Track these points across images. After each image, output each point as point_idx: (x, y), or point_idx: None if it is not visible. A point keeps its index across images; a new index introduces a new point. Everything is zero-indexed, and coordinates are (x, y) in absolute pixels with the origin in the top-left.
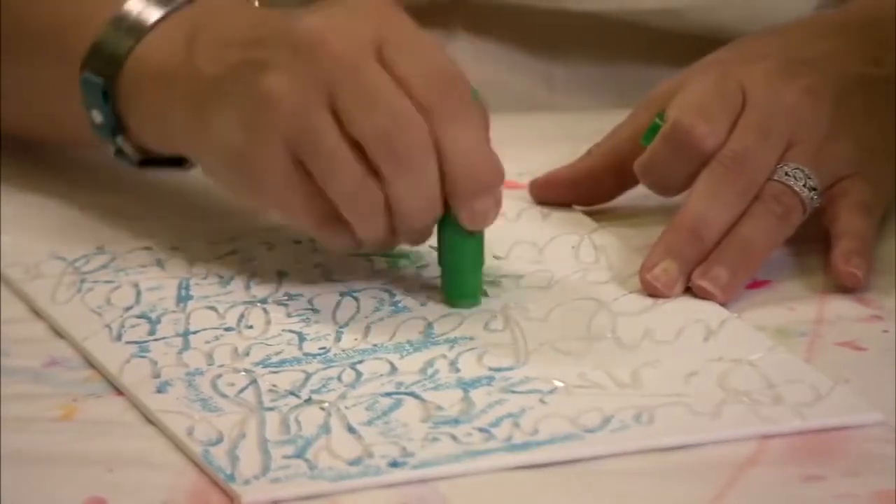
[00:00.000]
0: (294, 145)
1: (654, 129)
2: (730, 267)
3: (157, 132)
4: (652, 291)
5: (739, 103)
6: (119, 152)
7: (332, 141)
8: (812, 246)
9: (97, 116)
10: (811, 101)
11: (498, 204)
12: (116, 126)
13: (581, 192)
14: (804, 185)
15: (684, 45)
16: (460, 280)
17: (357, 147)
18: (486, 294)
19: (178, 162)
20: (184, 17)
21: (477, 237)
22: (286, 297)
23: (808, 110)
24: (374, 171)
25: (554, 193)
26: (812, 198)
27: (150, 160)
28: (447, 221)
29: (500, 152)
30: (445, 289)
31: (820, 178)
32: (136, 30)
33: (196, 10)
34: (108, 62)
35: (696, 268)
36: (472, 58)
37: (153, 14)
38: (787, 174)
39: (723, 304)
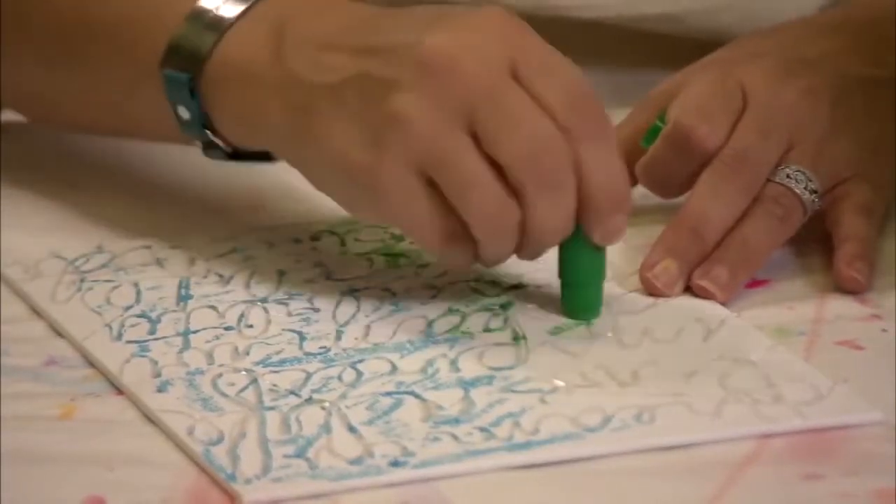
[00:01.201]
0: (428, 167)
1: (654, 131)
2: (730, 267)
3: (248, 133)
4: (652, 290)
5: (740, 103)
6: (208, 145)
7: (472, 163)
8: (811, 245)
9: (184, 113)
10: (811, 101)
11: (626, 220)
12: (204, 121)
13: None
14: (805, 188)
15: (685, 50)
16: (585, 294)
17: (496, 167)
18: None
19: (269, 155)
20: (267, 10)
21: (602, 252)
22: (286, 297)
23: (808, 111)
24: (512, 192)
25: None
26: (813, 200)
27: (240, 153)
28: (574, 237)
29: None
30: (569, 303)
31: (820, 179)
32: (217, 25)
33: (279, 3)
34: (190, 59)
35: (696, 267)
36: None
37: (234, 9)
38: (787, 176)
39: (722, 304)
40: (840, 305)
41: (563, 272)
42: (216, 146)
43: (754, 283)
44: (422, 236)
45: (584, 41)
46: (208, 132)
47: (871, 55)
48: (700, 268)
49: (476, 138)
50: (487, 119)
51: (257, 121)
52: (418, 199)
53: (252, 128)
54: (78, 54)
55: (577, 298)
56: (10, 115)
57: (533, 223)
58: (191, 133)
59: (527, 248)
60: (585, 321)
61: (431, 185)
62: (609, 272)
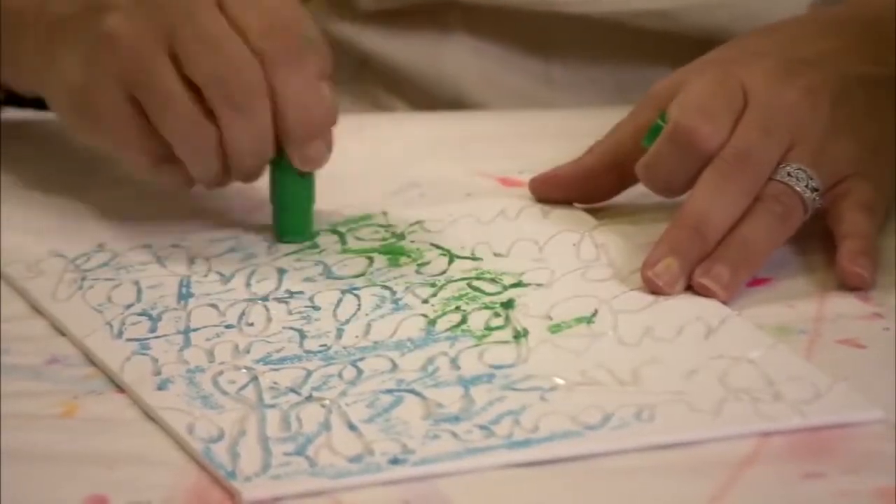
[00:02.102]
0: (131, 85)
1: (655, 130)
2: (731, 265)
3: (12, 73)
4: (654, 289)
5: (741, 103)
6: None
7: (168, 82)
8: (812, 244)
9: None
10: (811, 100)
11: (329, 147)
12: None
13: (582, 190)
14: (806, 186)
15: (680, 46)
16: (291, 218)
17: (193, 89)
18: (317, 234)
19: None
20: None
21: (308, 178)
22: (287, 295)
23: (809, 110)
24: (209, 113)
25: (555, 191)
26: (814, 199)
27: (14, 101)
28: (280, 162)
29: (501, 149)
30: (276, 226)
31: (822, 178)
32: None
33: None
34: None
35: (697, 265)
36: (472, 56)
37: None
38: (788, 174)
39: (724, 302)
40: (841, 304)
41: (272, 195)
42: None
43: (755, 282)
44: (132, 156)
45: (580, 38)
46: None
47: (871, 54)
48: (701, 266)
49: (177, 60)
50: (184, 40)
51: (18, 58)
52: (127, 119)
53: (16, 67)
54: None
55: (285, 221)
56: (10, 114)
57: (228, 144)
58: None
59: (231, 169)
60: (294, 243)
61: (140, 107)
62: (609, 270)
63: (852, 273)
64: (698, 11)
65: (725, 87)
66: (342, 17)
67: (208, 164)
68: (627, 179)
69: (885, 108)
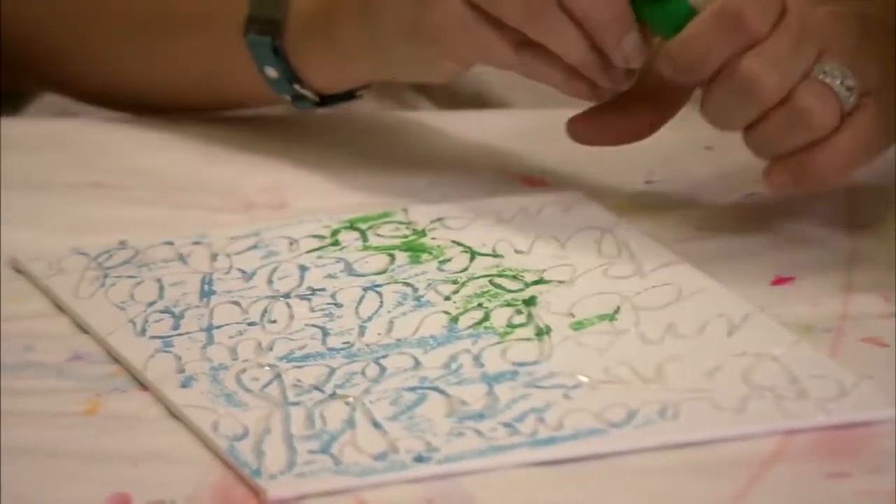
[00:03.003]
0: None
1: (680, 16)
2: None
3: (329, 60)
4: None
5: (781, 5)
6: (297, 98)
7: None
8: (836, 242)
9: (272, 72)
10: (840, 20)
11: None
12: (292, 76)
13: (615, 127)
14: (841, 84)
15: None
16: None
17: None
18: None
19: (351, 95)
20: None
21: None
22: (309, 292)
23: (837, 27)
24: None
25: (592, 129)
26: (849, 98)
27: (328, 99)
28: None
29: (525, 148)
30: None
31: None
32: None
33: None
34: (269, 23)
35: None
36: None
37: None
38: (824, 73)
39: None
40: (865, 302)
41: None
42: (304, 97)
43: (779, 280)
44: (494, 53)
45: None
46: (296, 86)
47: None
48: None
49: None
50: None
51: (333, 43)
52: (471, 22)
53: (332, 52)
54: (163, 36)
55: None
56: (36, 113)
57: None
58: (280, 90)
59: (598, 42)
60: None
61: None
62: (632, 267)
63: (774, 179)
64: None
65: None
66: None
67: (568, 39)
68: (665, 110)
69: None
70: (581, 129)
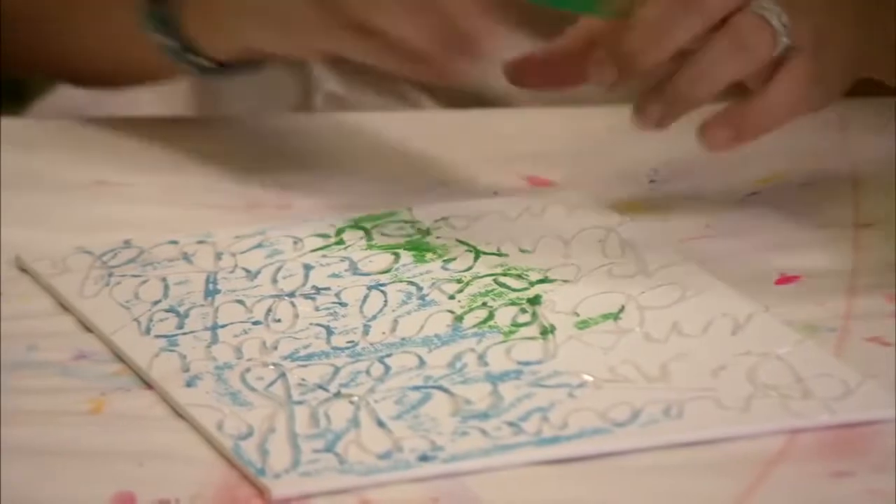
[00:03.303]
0: None
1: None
2: (670, 101)
3: (206, 28)
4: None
5: None
6: (199, 69)
7: None
8: (841, 241)
9: (166, 41)
10: None
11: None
12: (182, 46)
13: (553, 72)
14: (778, 19)
15: None
16: None
17: None
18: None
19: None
20: None
21: None
22: (313, 291)
23: None
24: None
25: (527, 74)
26: (783, 36)
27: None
28: None
29: (529, 147)
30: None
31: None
32: None
33: None
34: None
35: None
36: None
37: None
38: (762, 7)
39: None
40: (869, 302)
41: None
42: (207, 68)
43: (784, 280)
44: (339, 43)
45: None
46: (190, 55)
47: None
48: (640, 99)
49: None
50: None
51: (211, 17)
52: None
53: (212, 28)
54: (72, 9)
55: None
56: (36, 111)
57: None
58: (178, 59)
59: None
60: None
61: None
62: (636, 266)
63: (710, 133)
64: None
65: None
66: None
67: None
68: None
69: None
70: (515, 74)
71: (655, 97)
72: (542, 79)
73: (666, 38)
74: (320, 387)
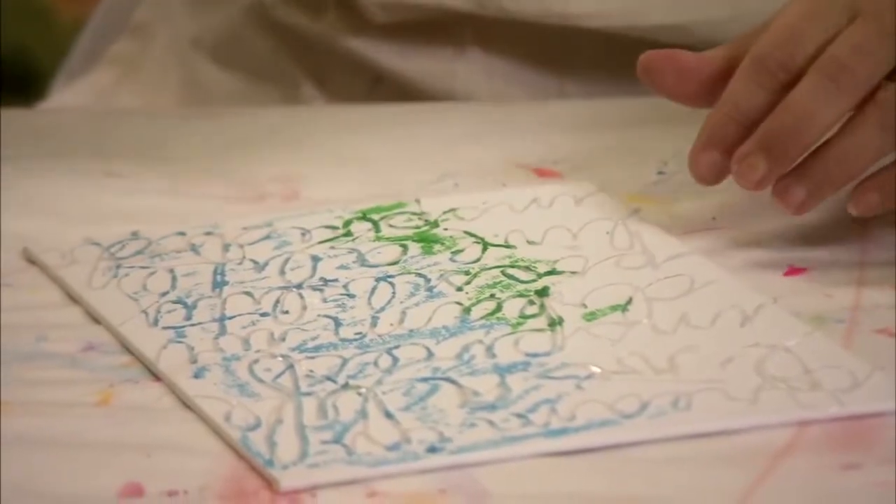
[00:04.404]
0: None
1: None
2: (814, 183)
3: None
4: (740, 183)
5: (843, 18)
6: None
7: None
8: (849, 233)
9: None
10: None
11: None
12: None
13: (694, 84)
14: None
15: None
16: None
17: None
18: None
19: None
20: None
21: None
22: (321, 283)
23: None
24: None
25: (663, 72)
26: None
27: None
28: None
29: (537, 139)
30: None
31: None
32: None
33: None
34: None
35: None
36: (484, 73)
37: None
38: None
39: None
40: (878, 293)
41: None
42: None
43: (792, 271)
44: None
45: (593, 51)
46: None
47: None
48: (780, 182)
49: None
50: None
51: None
52: None
53: None
54: None
55: None
56: (46, 102)
57: None
58: None
59: None
60: None
61: None
62: (644, 258)
63: (862, 199)
64: (712, 26)
65: (820, 5)
66: (357, 33)
67: None
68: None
69: None
70: (650, 63)
71: (797, 180)
72: (675, 84)
73: (821, 119)
74: (328, 378)
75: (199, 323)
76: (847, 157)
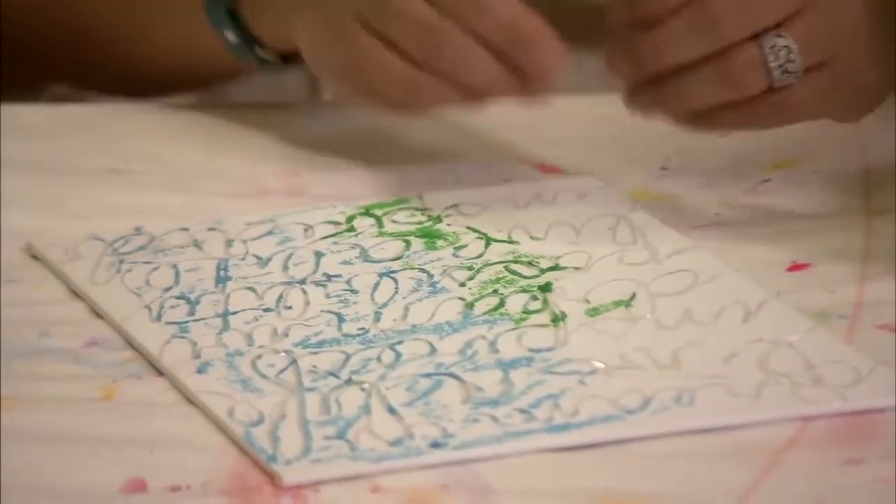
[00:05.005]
0: (357, 60)
1: None
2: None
3: (277, 21)
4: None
5: None
6: (262, 62)
7: (380, 58)
8: (852, 228)
9: (231, 37)
10: None
11: (551, 46)
12: (249, 38)
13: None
14: (780, 67)
15: None
16: None
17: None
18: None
19: None
20: None
21: None
22: (324, 278)
23: None
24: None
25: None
26: (783, 81)
27: (294, 59)
28: None
29: (536, 135)
30: None
31: (806, 55)
32: None
33: None
34: None
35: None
36: None
37: None
38: (771, 47)
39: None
40: (880, 289)
41: None
42: (267, 61)
43: (795, 267)
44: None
45: (588, 26)
46: (257, 49)
47: None
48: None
49: None
50: (378, 18)
51: (281, 12)
52: (372, 47)
53: (283, 21)
54: (131, 16)
55: None
56: (50, 97)
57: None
58: (241, 54)
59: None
60: None
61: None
62: (646, 253)
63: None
64: None
65: None
66: None
67: (451, 104)
68: None
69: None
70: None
71: (652, 90)
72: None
73: (669, 53)
74: (331, 374)
75: (203, 318)
76: (680, 94)
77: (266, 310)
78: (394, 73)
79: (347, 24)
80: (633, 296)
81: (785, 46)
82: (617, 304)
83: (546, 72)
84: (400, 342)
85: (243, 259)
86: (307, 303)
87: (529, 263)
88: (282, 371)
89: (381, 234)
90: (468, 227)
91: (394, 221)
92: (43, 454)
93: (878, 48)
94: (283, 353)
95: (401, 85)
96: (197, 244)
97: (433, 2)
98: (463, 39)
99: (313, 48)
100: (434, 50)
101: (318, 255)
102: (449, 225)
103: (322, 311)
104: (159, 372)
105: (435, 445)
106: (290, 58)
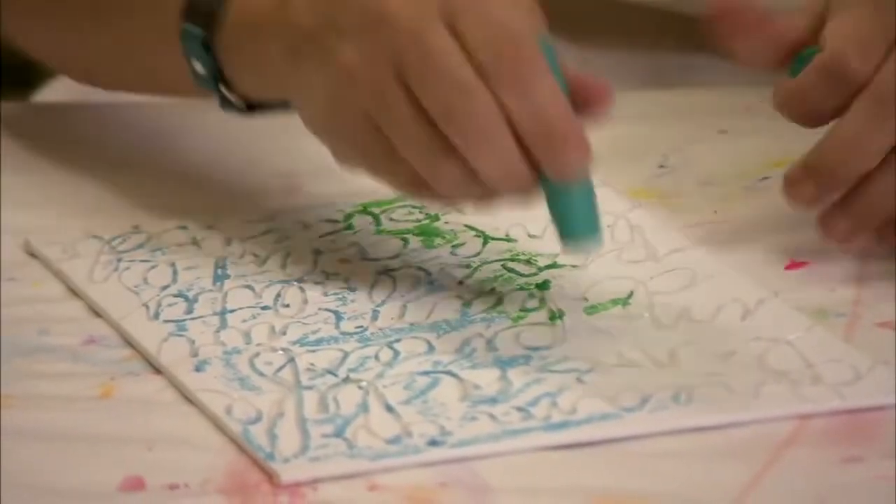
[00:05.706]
0: (372, 116)
1: (802, 59)
2: (856, 220)
3: (254, 82)
4: (792, 203)
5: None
6: (224, 102)
7: (403, 115)
8: None
9: (199, 67)
10: None
11: (580, 149)
12: (218, 76)
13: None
14: None
15: None
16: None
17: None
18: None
19: (286, 104)
20: None
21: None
22: (322, 276)
23: None
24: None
25: (752, 36)
26: None
27: (258, 105)
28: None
29: None
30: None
31: None
32: None
33: None
34: (205, 14)
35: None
36: None
37: None
38: None
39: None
40: (879, 287)
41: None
42: (230, 102)
43: (794, 265)
44: (384, 181)
45: (616, 22)
46: (222, 87)
47: None
48: (826, 213)
49: (409, 88)
50: (411, 68)
51: (261, 68)
52: (373, 145)
53: (258, 77)
54: (105, 18)
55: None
56: (43, 95)
57: (479, 174)
58: (206, 87)
59: (486, 196)
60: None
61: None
62: (644, 252)
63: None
64: None
65: (882, 12)
66: None
67: (463, 193)
68: None
69: None
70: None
71: (842, 211)
72: (756, 45)
73: (869, 147)
74: (329, 372)
75: (201, 316)
76: (890, 190)
77: (264, 308)
78: (412, 133)
79: (379, 71)
80: (631, 294)
81: None
82: (615, 302)
83: (566, 173)
84: (398, 340)
85: (241, 257)
86: (305, 301)
87: (527, 261)
88: (279, 369)
89: (380, 233)
90: (466, 226)
91: (391, 219)
92: (41, 452)
93: None
94: (280, 351)
95: (419, 158)
96: (195, 242)
97: (475, 63)
98: (495, 116)
99: (316, 109)
100: (463, 117)
101: (316, 253)
102: (447, 223)
103: (320, 309)
104: (157, 370)
105: (433, 443)
106: (256, 107)
